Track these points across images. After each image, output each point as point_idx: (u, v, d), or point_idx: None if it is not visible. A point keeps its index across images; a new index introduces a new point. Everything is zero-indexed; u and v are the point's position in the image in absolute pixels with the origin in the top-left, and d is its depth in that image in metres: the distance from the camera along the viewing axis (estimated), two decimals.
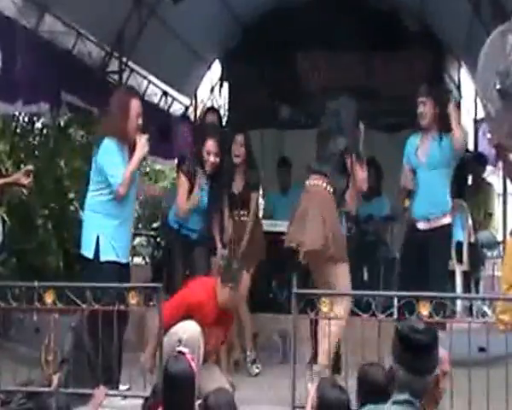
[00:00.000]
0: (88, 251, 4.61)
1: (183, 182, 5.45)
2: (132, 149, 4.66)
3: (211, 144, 5.42)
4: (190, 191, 5.42)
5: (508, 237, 4.94)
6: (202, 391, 3.63)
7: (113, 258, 4.58)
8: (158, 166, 12.09)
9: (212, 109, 6.97)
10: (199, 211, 5.50)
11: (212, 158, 5.41)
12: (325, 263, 4.57)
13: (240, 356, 5.64)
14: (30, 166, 4.65)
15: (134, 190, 4.80)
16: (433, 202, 5.08)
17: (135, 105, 4.71)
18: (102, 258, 4.56)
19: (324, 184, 4.63)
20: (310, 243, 4.49)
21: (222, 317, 4.53)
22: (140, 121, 4.70)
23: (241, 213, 5.78)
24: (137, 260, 10.00)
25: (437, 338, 2.72)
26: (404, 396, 2.64)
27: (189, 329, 4.26)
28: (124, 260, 4.69)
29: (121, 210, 4.65)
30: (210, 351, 4.47)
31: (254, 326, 5.76)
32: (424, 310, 3.72)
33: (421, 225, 5.10)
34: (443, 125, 5.02)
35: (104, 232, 4.59)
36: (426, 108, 5.07)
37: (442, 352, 2.89)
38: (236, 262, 4.78)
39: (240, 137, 5.71)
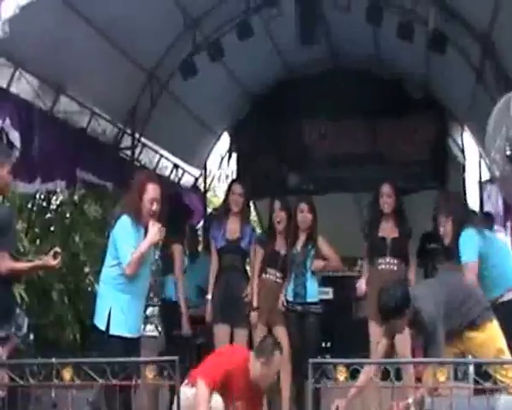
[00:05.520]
0: (101, 323, 4.70)
1: None
2: (146, 232, 4.72)
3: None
4: None
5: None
6: None
7: (122, 333, 4.64)
8: None
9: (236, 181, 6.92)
10: None
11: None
12: None
13: None
14: (57, 248, 4.65)
15: (148, 268, 4.88)
16: None
17: (150, 189, 4.74)
18: (112, 331, 4.64)
19: None
20: None
21: (252, 392, 4.44)
22: (155, 207, 4.72)
23: (278, 274, 5.71)
24: (150, 327, 9.99)
25: None
26: None
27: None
28: (132, 335, 4.72)
29: (133, 286, 4.71)
30: None
31: None
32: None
33: None
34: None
35: (116, 305, 4.66)
36: (447, 228, 4.94)
37: None
38: (272, 339, 4.71)
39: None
